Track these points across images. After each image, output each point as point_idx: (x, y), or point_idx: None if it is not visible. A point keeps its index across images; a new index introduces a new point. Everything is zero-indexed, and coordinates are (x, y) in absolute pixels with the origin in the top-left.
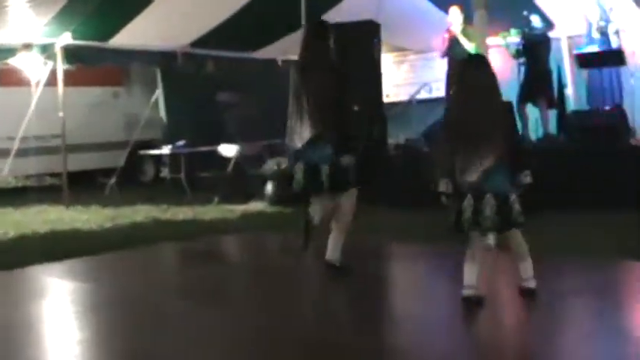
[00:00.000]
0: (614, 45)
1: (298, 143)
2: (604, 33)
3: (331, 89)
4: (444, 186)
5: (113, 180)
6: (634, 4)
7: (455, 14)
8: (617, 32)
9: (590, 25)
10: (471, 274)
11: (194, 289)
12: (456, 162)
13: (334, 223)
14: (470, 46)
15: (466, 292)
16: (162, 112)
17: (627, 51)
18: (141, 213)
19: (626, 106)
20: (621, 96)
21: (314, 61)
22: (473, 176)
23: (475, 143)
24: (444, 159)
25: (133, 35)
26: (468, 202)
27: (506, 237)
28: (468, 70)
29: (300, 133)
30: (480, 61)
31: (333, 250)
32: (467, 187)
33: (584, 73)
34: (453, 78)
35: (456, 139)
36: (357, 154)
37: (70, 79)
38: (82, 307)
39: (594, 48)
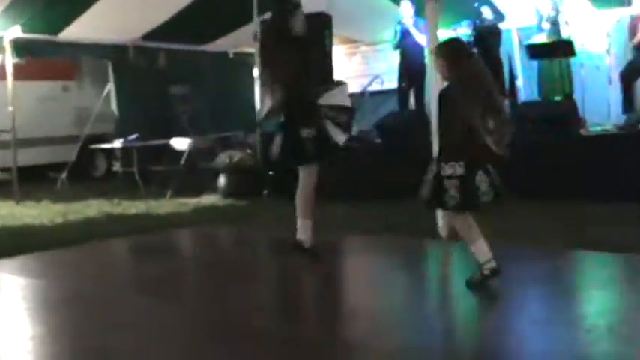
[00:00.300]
0: (563, 35)
1: (262, 113)
2: (554, 23)
3: (289, 59)
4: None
5: (64, 175)
6: None
7: (406, 6)
8: (567, 22)
9: (540, 16)
10: (482, 247)
11: (148, 284)
12: (492, 138)
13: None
14: (422, 38)
15: (489, 265)
16: (114, 106)
17: (577, 42)
18: (93, 208)
19: (577, 96)
20: (571, 86)
21: (273, 32)
22: (501, 150)
23: (499, 114)
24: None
25: (84, 28)
26: (481, 177)
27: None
28: (465, 48)
29: (265, 103)
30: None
31: (300, 231)
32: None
33: (535, 64)
34: (406, 69)
35: (484, 114)
36: (318, 127)
37: (20, 73)
38: (34, 304)
39: (542, 37)
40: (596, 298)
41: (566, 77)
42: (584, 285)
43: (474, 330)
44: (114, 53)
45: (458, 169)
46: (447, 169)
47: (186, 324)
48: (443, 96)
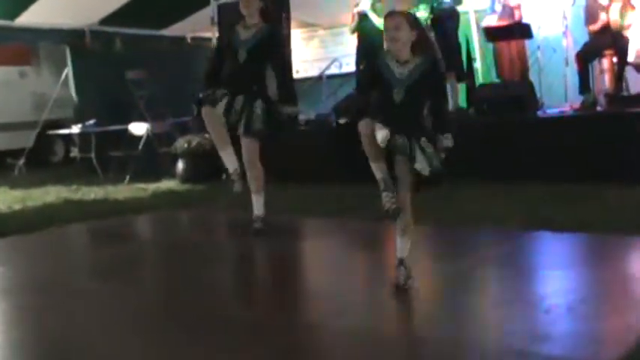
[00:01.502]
0: (515, 17)
1: None
2: (505, 5)
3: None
4: None
5: (22, 161)
6: None
7: None
8: (518, 5)
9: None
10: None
11: (107, 270)
12: None
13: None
14: (379, 22)
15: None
16: (72, 91)
17: (533, 23)
18: (51, 194)
19: (534, 78)
20: (526, 68)
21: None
22: None
23: None
24: None
25: (40, 13)
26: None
27: None
28: None
29: None
30: None
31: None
32: None
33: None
34: (364, 53)
35: None
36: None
37: None
38: None
39: (493, 18)
40: (555, 278)
41: (522, 59)
42: (543, 265)
43: (434, 311)
44: (71, 38)
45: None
46: (448, 142)
47: (147, 310)
48: (435, 63)
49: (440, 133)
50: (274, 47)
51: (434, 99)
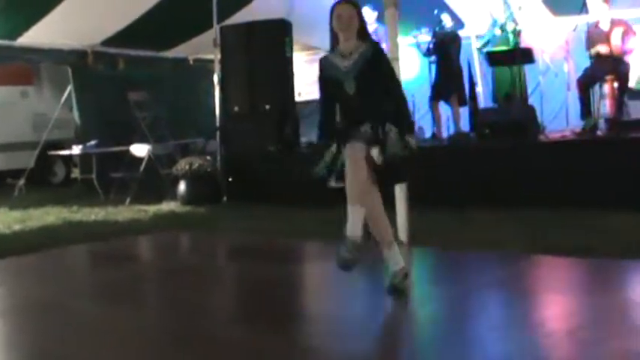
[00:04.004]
0: (513, 41)
1: None
2: (505, 29)
3: None
4: None
5: (22, 181)
6: (542, 4)
7: (367, 14)
8: (516, 31)
9: (495, 21)
10: None
11: (106, 291)
12: None
13: None
14: (384, 46)
15: None
16: (75, 112)
17: (536, 49)
18: (51, 215)
19: (536, 103)
20: (525, 92)
21: None
22: None
23: None
24: None
25: (42, 34)
26: None
27: None
28: None
29: None
30: None
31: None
32: None
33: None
34: None
35: None
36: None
37: None
38: None
39: (483, 41)
40: (556, 302)
41: (521, 83)
42: (544, 289)
43: (433, 336)
44: (73, 58)
45: None
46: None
47: (145, 332)
48: None
49: None
50: (384, 67)
51: None
